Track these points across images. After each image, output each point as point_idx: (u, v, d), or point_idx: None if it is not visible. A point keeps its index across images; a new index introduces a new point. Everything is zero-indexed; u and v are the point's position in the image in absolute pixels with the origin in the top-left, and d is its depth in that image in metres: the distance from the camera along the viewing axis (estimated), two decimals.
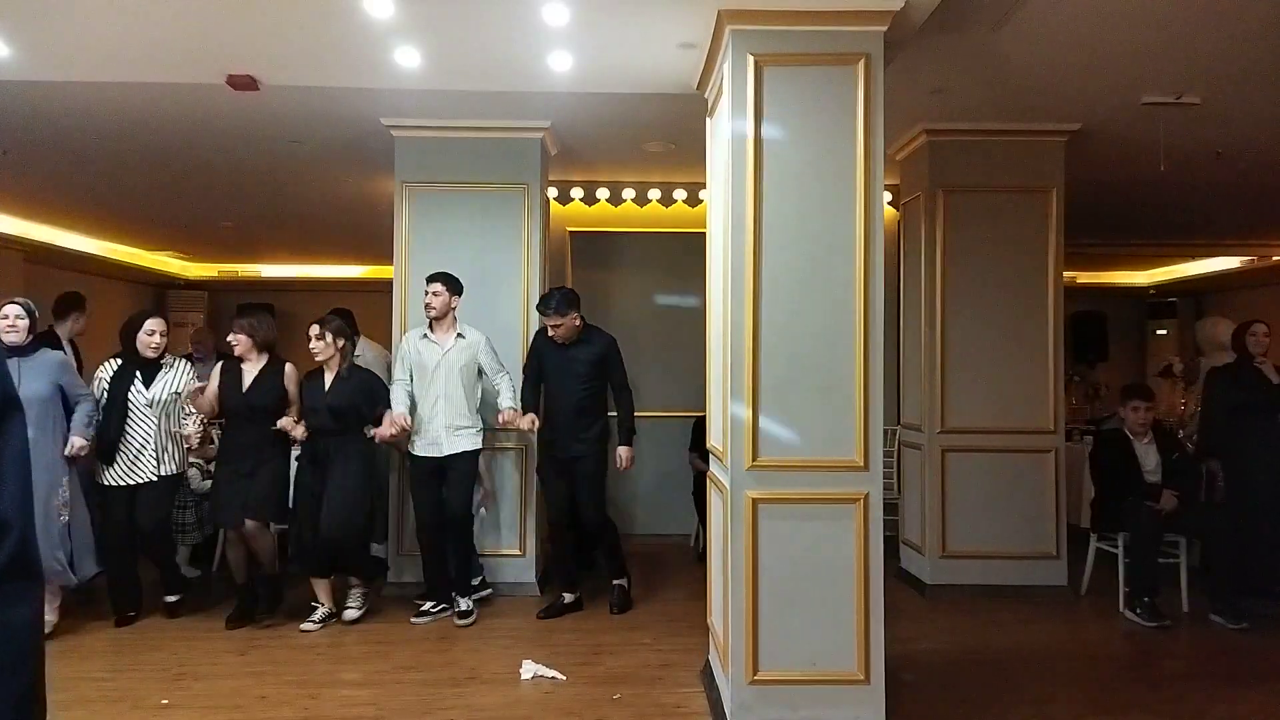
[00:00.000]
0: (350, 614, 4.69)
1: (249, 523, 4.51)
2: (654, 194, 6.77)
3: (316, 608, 4.63)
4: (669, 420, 6.77)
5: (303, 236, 9.28)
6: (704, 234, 4.21)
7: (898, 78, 3.94)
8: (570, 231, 6.94)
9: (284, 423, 4.57)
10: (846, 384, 3.32)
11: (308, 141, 5.48)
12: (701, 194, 6.43)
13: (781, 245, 3.33)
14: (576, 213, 6.89)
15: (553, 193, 6.48)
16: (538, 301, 4.80)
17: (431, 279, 4.74)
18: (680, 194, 6.76)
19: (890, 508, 4.69)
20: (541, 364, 4.85)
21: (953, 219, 5.27)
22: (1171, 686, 3.96)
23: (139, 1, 3.47)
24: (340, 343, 4.67)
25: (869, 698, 3.30)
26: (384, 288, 5.14)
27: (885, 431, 3.44)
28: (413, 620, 4.68)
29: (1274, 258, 9.33)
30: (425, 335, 4.77)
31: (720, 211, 3.63)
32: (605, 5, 3.47)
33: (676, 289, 6.89)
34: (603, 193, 6.75)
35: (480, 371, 4.81)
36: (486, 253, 5.23)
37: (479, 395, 4.84)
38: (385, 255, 5.49)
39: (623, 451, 4.89)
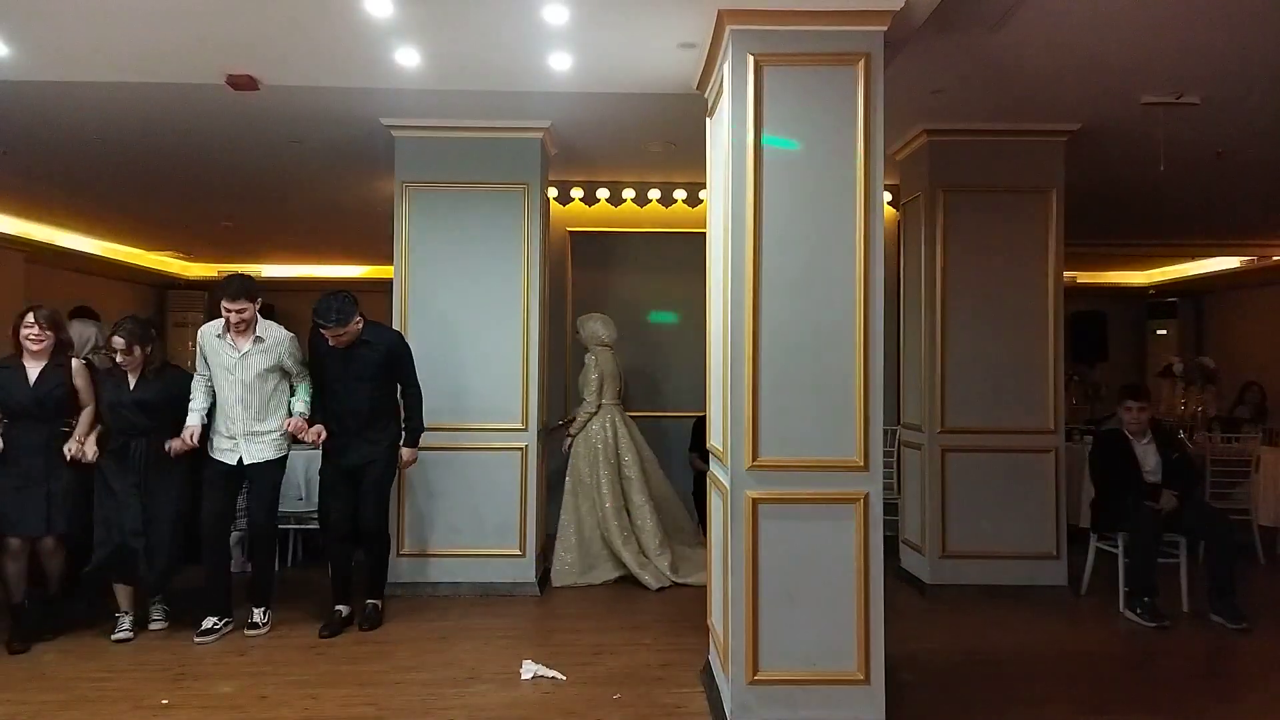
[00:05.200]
0: (156, 625, 4.53)
1: (49, 540, 4.33)
2: (654, 194, 6.78)
3: (121, 617, 4.43)
4: (669, 420, 6.77)
5: (303, 236, 9.28)
6: (704, 234, 4.21)
7: (898, 78, 3.94)
8: (570, 231, 6.94)
9: (72, 448, 4.35)
10: (846, 384, 3.32)
11: (308, 141, 5.48)
12: (701, 194, 6.43)
13: (781, 245, 3.33)
14: (576, 213, 6.89)
15: (553, 193, 6.48)
16: (315, 313, 4.40)
17: (239, 295, 4.37)
18: (680, 194, 6.77)
19: (890, 508, 4.69)
20: (322, 366, 4.55)
21: (953, 219, 5.27)
22: (1171, 686, 3.96)
23: (139, 1, 3.47)
24: (148, 348, 4.45)
25: (869, 698, 3.30)
26: (384, 288, 5.14)
27: (885, 431, 3.44)
28: (195, 640, 4.33)
29: (1274, 258, 9.34)
30: (220, 334, 4.46)
31: (720, 211, 3.63)
32: (605, 5, 3.47)
33: (676, 289, 6.88)
34: (603, 193, 6.75)
35: (285, 373, 4.57)
36: (486, 253, 5.23)
37: (284, 399, 4.58)
38: (385, 255, 5.49)
39: (405, 453, 4.67)
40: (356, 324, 4.47)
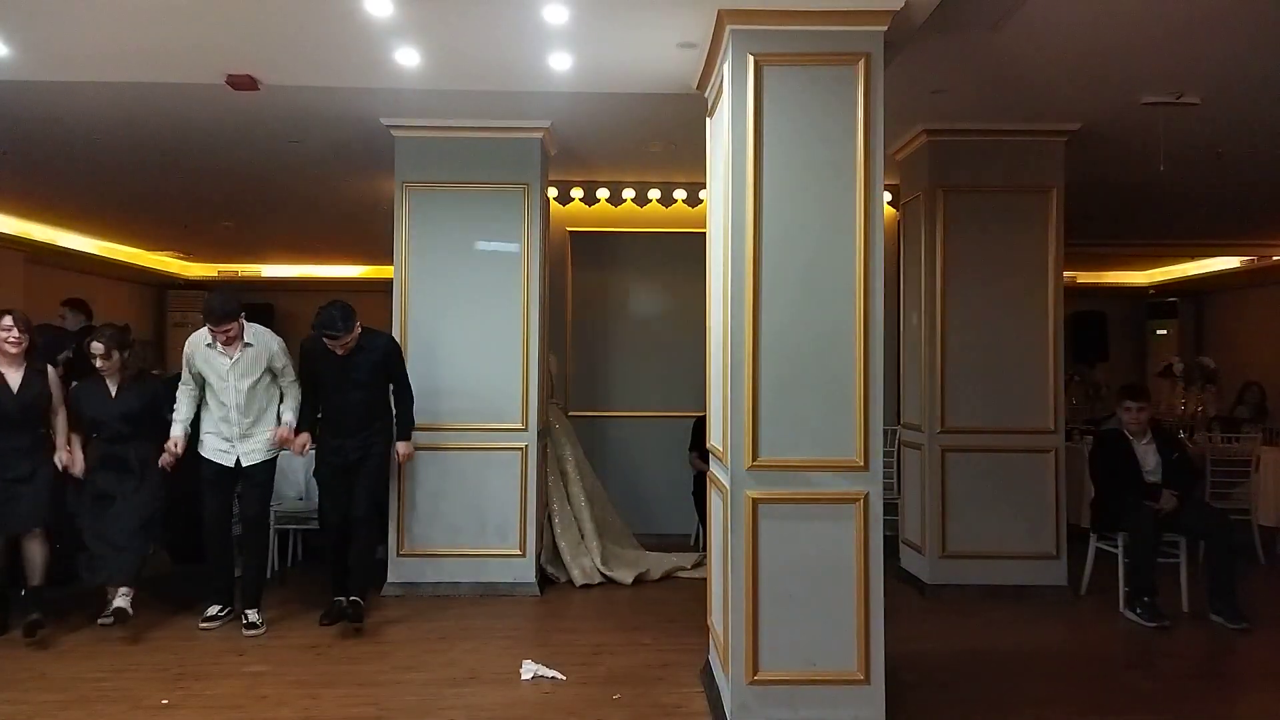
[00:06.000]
0: (121, 602, 4.41)
1: (35, 530, 4.39)
2: (654, 194, 6.78)
3: (111, 602, 4.47)
4: (669, 420, 6.76)
5: (303, 236, 9.28)
6: (704, 234, 4.21)
7: (898, 78, 3.94)
8: (570, 231, 6.94)
9: (63, 458, 4.46)
10: (846, 384, 3.32)
11: (308, 141, 5.48)
12: (701, 194, 6.43)
13: (781, 245, 3.33)
14: (576, 213, 6.89)
15: (553, 193, 6.48)
16: (320, 325, 4.45)
17: (224, 319, 4.42)
18: (680, 194, 6.77)
19: (890, 508, 4.69)
20: (317, 372, 4.64)
21: (953, 219, 5.27)
22: (1171, 686, 3.96)
23: (139, 1, 3.47)
24: (125, 354, 4.59)
25: (869, 698, 3.30)
26: (384, 287, 5.14)
27: (885, 431, 3.44)
28: (200, 625, 4.53)
29: (1274, 258, 9.34)
30: (210, 344, 4.52)
31: (720, 211, 3.63)
32: (605, 5, 3.47)
33: (676, 289, 6.88)
34: (603, 192, 6.75)
35: (274, 374, 4.66)
36: (486, 253, 5.23)
37: (276, 401, 4.68)
38: (385, 255, 5.50)
39: (401, 447, 4.80)
40: (357, 330, 4.57)
